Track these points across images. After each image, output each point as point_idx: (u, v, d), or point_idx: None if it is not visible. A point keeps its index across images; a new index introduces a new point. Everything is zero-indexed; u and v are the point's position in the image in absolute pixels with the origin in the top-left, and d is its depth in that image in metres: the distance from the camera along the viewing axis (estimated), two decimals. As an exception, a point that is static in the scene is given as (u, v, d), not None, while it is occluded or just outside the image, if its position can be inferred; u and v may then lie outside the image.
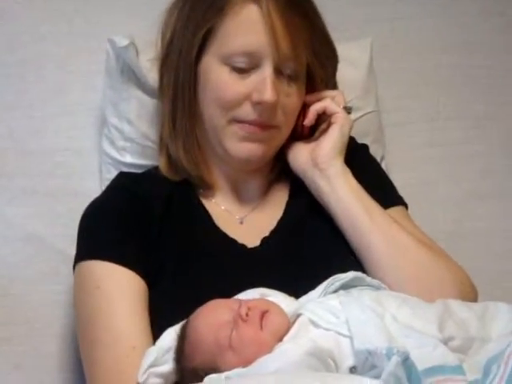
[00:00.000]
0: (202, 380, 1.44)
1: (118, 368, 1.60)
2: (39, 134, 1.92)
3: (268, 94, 1.67)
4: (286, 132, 1.76)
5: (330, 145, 1.76)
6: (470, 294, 1.68)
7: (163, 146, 1.80)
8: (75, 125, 1.94)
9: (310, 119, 1.77)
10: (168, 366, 1.54)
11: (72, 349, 1.79)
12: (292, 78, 1.73)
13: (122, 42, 1.85)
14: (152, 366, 1.54)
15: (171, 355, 1.55)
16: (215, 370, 1.47)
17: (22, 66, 1.95)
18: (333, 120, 1.78)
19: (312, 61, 1.76)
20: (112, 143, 1.89)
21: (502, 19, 2.24)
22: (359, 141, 1.92)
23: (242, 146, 1.72)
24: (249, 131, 1.71)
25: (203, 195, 1.80)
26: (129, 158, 1.89)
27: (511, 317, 1.47)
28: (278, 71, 1.70)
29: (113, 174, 1.85)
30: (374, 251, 1.70)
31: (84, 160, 1.93)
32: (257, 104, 1.68)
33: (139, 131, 1.88)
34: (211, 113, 1.72)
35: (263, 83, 1.68)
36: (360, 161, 1.85)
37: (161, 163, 1.80)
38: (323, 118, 1.79)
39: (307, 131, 1.81)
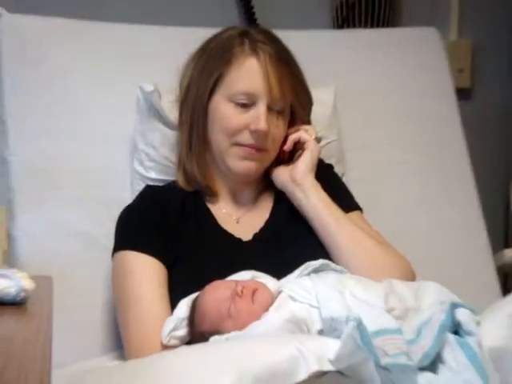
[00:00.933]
0: (207, 340, 1.50)
1: (145, 331, 1.63)
2: (87, 157, 1.91)
3: (262, 125, 1.72)
4: (272, 155, 1.80)
5: (303, 165, 1.79)
6: (410, 277, 1.71)
7: (181, 164, 1.82)
8: (114, 150, 1.93)
9: (288, 145, 1.80)
10: (183, 331, 1.57)
11: (111, 319, 1.79)
12: (280, 114, 1.78)
13: (149, 88, 1.87)
14: (172, 331, 1.57)
15: (185, 322, 1.57)
16: (218, 333, 1.51)
17: (75, 105, 1.94)
18: (305, 147, 1.80)
19: (294, 102, 1.81)
20: (141, 163, 1.90)
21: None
22: (326, 161, 1.93)
23: (241, 164, 1.76)
24: (247, 153, 1.74)
25: (209, 201, 1.82)
26: (153, 175, 1.89)
27: (437, 292, 1.48)
28: (270, 108, 1.74)
29: (141, 186, 1.86)
30: (339, 246, 1.72)
31: (120, 176, 1.92)
32: (253, 132, 1.73)
33: (161, 154, 1.88)
34: (218, 138, 1.76)
35: (259, 117, 1.73)
36: (327, 176, 1.87)
37: (179, 177, 1.82)
38: (298, 146, 1.81)
39: (287, 156, 1.82)
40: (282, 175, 1.82)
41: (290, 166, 1.82)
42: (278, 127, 1.78)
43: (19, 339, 1.04)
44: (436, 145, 2.20)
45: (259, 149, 1.75)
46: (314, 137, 1.82)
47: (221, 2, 2.42)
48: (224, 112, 1.76)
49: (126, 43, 2.04)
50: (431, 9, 2.62)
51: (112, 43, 2.03)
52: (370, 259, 1.72)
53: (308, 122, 1.86)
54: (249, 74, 1.76)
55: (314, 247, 1.74)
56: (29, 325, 1.12)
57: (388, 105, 2.19)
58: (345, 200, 1.85)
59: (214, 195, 1.83)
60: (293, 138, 1.81)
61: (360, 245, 1.73)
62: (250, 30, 1.82)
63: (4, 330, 1.08)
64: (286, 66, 1.79)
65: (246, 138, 1.75)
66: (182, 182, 1.82)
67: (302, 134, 1.82)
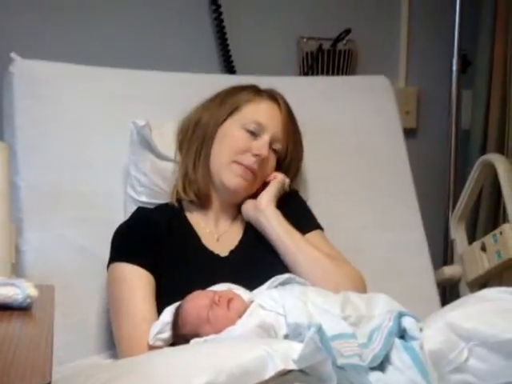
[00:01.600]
0: (189, 342, 1.49)
1: (134, 333, 1.62)
2: (87, 182, 1.90)
3: (264, 150, 1.77)
4: (258, 183, 1.81)
5: (267, 195, 1.80)
6: (361, 288, 1.71)
7: (184, 175, 1.82)
8: (110, 176, 1.93)
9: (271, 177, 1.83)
10: (167, 334, 1.57)
11: (105, 322, 1.78)
12: (275, 152, 1.82)
13: (141, 122, 1.86)
14: (158, 333, 1.57)
15: (169, 326, 1.57)
16: (198, 336, 1.51)
17: (77, 138, 1.94)
18: (272, 179, 1.82)
19: (289, 155, 1.86)
20: (133, 188, 1.89)
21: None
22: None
23: (235, 180, 1.77)
24: (243, 171, 1.76)
25: (193, 221, 1.81)
26: (144, 198, 1.88)
27: (386, 303, 1.49)
28: (272, 141, 1.79)
29: (133, 208, 1.85)
30: (298, 264, 1.72)
31: (115, 199, 1.91)
32: (255, 155, 1.76)
33: (151, 181, 1.87)
34: (221, 155, 1.79)
35: (263, 144, 1.77)
36: (292, 200, 1.88)
37: (178, 186, 1.82)
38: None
39: (259, 192, 1.83)
40: (248, 207, 1.82)
41: (255, 200, 1.82)
42: (270, 163, 1.82)
43: (25, 339, 1.04)
44: (386, 176, 2.21)
45: (253, 171, 1.77)
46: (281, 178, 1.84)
47: (203, 50, 2.42)
48: (235, 134, 1.79)
49: (122, 85, 2.03)
50: (383, 60, 2.63)
51: (110, 85, 2.03)
52: (324, 274, 1.71)
53: (294, 175, 1.91)
54: (264, 110, 1.82)
55: (280, 263, 1.74)
56: (33, 327, 1.12)
57: (345, 142, 2.19)
58: (307, 221, 1.86)
59: (202, 208, 1.82)
60: (273, 175, 1.83)
61: (316, 262, 1.73)
62: (263, 89, 1.88)
63: (12, 331, 1.08)
64: (294, 122, 1.87)
65: (246, 158, 1.77)
66: (181, 190, 1.81)
67: (279, 174, 1.84)
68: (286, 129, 1.84)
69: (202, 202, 1.82)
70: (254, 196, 1.83)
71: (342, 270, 1.74)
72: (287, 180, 1.86)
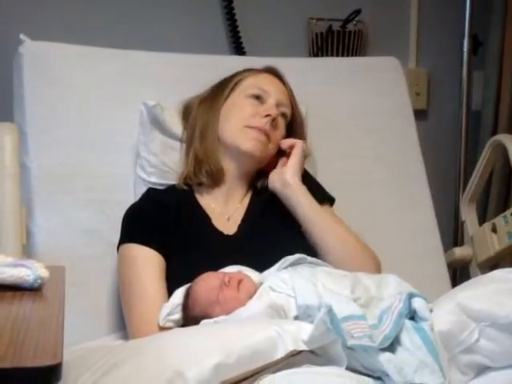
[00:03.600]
0: (199, 323, 1.50)
1: (145, 314, 1.63)
2: (97, 163, 1.90)
3: (272, 111, 1.78)
4: (271, 149, 1.81)
5: (291, 170, 1.79)
6: (379, 270, 1.74)
7: (192, 156, 1.81)
8: (120, 157, 1.92)
9: (284, 146, 1.82)
10: (178, 315, 1.58)
11: (115, 303, 1.79)
12: (283, 116, 1.82)
13: (151, 102, 1.87)
14: (168, 315, 1.57)
15: (180, 308, 1.57)
16: (208, 317, 1.51)
17: (86, 119, 1.93)
18: (292, 151, 1.81)
19: (294, 117, 1.86)
20: (143, 169, 1.88)
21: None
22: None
23: (250, 143, 1.76)
24: (256, 134, 1.76)
25: (204, 202, 1.80)
26: (154, 179, 1.87)
27: (396, 284, 1.48)
28: (278, 105, 1.81)
29: (143, 189, 1.85)
30: (325, 242, 1.74)
31: (125, 180, 1.91)
32: (264, 117, 1.76)
33: (161, 161, 1.87)
34: (232, 123, 1.79)
35: (270, 105, 1.78)
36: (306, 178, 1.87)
37: (188, 169, 1.81)
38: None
39: (275, 162, 1.84)
40: (274, 178, 1.81)
41: (280, 171, 1.81)
42: (280, 128, 1.82)
43: (36, 319, 1.05)
44: (396, 158, 2.20)
45: (266, 133, 1.77)
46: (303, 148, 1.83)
47: (213, 32, 2.42)
48: (241, 104, 1.81)
49: (131, 66, 2.03)
50: (393, 41, 2.62)
51: (119, 66, 2.02)
52: (353, 253, 1.75)
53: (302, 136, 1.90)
54: (265, 79, 1.84)
55: (291, 241, 1.73)
56: (44, 307, 1.13)
57: (354, 122, 2.19)
58: (318, 194, 1.85)
59: (218, 182, 1.81)
60: (288, 141, 1.83)
61: (345, 242, 1.76)
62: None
63: (23, 311, 1.09)
64: (291, 90, 1.88)
65: (257, 121, 1.77)
66: (192, 174, 1.81)
67: (296, 140, 1.83)
68: (289, 94, 1.86)
69: (215, 180, 1.80)
70: (269, 165, 1.83)
71: (368, 251, 1.77)
72: (305, 145, 1.85)
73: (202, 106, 1.86)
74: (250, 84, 1.83)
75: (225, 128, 1.80)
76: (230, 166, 1.81)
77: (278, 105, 1.81)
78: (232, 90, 1.84)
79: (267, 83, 1.84)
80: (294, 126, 1.88)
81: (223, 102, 1.83)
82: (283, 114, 1.83)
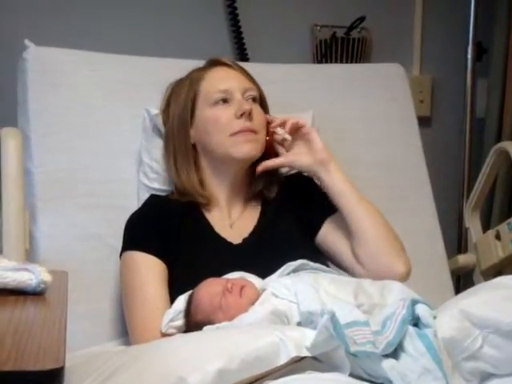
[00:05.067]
0: (201, 329, 1.50)
1: (147, 321, 1.62)
2: (100, 169, 1.90)
3: (244, 106, 1.72)
4: (262, 138, 1.76)
5: (319, 144, 1.74)
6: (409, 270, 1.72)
7: (172, 181, 1.81)
8: (123, 163, 1.93)
9: (288, 128, 1.75)
10: (180, 322, 1.58)
11: (117, 309, 1.79)
12: (254, 100, 1.77)
13: (154, 111, 1.87)
14: (170, 321, 1.57)
15: (182, 314, 1.57)
16: (210, 323, 1.51)
17: (90, 125, 1.93)
18: (305, 131, 1.76)
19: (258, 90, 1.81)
20: (145, 175, 1.88)
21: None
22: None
23: (243, 149, 1.72)
24: (243, 137, 1.72)
25: (205, 209, 1.79)
26: (156, 185, 1.87)
27: (400, 291, 1.47)
28: (245, 95, 1.75)
29: (146, 195, 1.84)
30: (360, 223, 1.71)
31: (128, 186, 1.90)
32: (240, 116, 1.71)
33: (163, 168, 1.86)
34: (214, 139, 1.73)
35: (239, 102, 1.73)
36: (309, 186, 1.83)
37: (175, 193, 1.80)
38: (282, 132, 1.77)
39: (270, 147, 1.78)
40: (303, 160, 1.76)
41: (303, 151, 1.76)
42: (258, 110, 1.77)
43: (39, 323, 1.05)
44: (399, 164, 2.20)
45: (251, 130, 1.72)
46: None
47: (216, 37, 2.43)
48: (211, 115, 1.74)
49: (135, 72, 2.04)
50: (397, 48, 2.63)
51: (123, 72, 2.02)
52: (387, 238, 1.72)
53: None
54: (218, 78, 1.78)
55: (295, 249, 1.72)
56: (47, 311, 1.13)
57: (358, 129, 2.19)
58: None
59: (208, 203, 1.78)
60: (292, 121, 1.76)
61: (377, 219, 1.73)
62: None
63: (26, 315, 1.09)
64: (243, 68, 1.82)
65: (236, 124, 1.72)
66: (177, 196, 1.79)
67: (299, 119, 1.78)
68: (244, 75, 1.80)
69: (203, 201, 1.78)
70: (267, 149, 1.78)
71: (404, 254, 1.73)
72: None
73: (168, 133, 1.81)
74: (207, 91, 1.76)
75: (209, 146, 1.75)
76: (221, 187, 1.79)
77: (244, 94, 1.75)
78: (193, 107, 1.77)
79: (221, 80, 1.77)
80: (262, 101, 1.82)
81: (190, 123, 1.77)
82: (253, 99, 1.77)
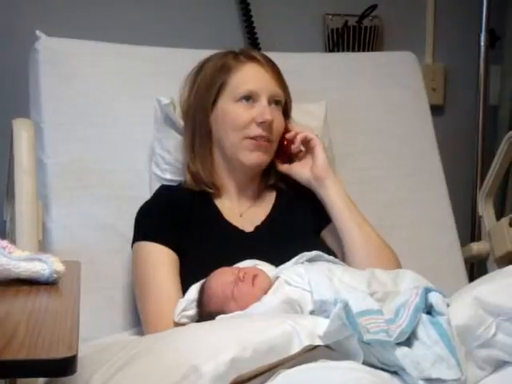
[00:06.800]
0: (214, 319, 1.49)
1: (160, 311, 1.63)
2: (113, 160, 1.90)
3: (267, 116, 1.72)
4: (274, 146, 1.78)
5: (321, 161, 1.78)
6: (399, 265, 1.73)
7: (187, 167, 1.81)
8: (136, 154, 1.93)
9: (297, 145, 1.79)
10: (193, 311, 1.58)
11: (130, 299, 1.79)
12: (278, 105, 1.77)
13: (165, 100, 1.86)
14: (183, 310, 1.58)
15: (195, 304, 1.58)
16: (223, 312, 1.51)
17: (102, 115, 1.94)
18: (313, 144, 1.79)
19: (286, 97, 1.81)
20: (158, 166, 1.88)
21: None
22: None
23: (252, 156, 1.74)
24: (256, 145, 1.73)
25: (215, 198, 1.80)
26: (168, 176, 1.87)
27: (413, 279, 1.49)
28: (270, 101, 1.75)
29: (157, 185, 1.85)
30: (351, 235, 1.73)
31: (140, 176, 1.91)
32: (260, 124, 1.72)
33: (175, 158, 1.87)
34: (230, 136, 1.74)
35: (263, 109, 1.73)
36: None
37: (187, 179, 1.81)
38: (293, 148, 1.80)
39: (288, 154, 1.82)
40: (304, 173, 1.80)
41: (309, 163, 1.80)
42: (279, 119, 1.77)
43: (52, 312, 1.05)
44: (412, 153, 2.20)
45: (267, 139, 1.73)
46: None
47: (228, 28, 2.42)
48: (232, 111, 1.74)
49: (147, 62, 2.03)
50: (409, 36, 2.61)
51: (134, 62, 2.03)
52: (376, 252, 1.73)
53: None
54: (249, 75, 1.77)
55: (308, 239, 1.74)
56: (60, 301, 1.13)
57: (371, 118, 2.18)
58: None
59: (219, 192, 1.80)
60: (300, 137, 1.79)
61: (368, 236, 1.74)
62: (238, 50, 1.84)
63: (39, 305, 1.09)
64: (276, 67, 1.80)
65: (254, 130, 1.73)
66: (190, 183, 1.80)
67: (308, 132, 1.80)
68: (277, 78, 1.79)
69: (215, 190, 1.79)
70: (278, 154, 1.81)
71: (390, 252, 1.76)
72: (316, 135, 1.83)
73: (189, 113, 1.82)
74: (235, 85, 1.75)
75: (225, 141, 1.76)
76: (231, 178, 1.80)
77: (270, 99, 1.75)
78: (218, 94, 1.77)
79: (251, 78, 1.76)
80: (287, 107, 1.83)
81: (211, 109, 1.78)
82: (277, 102, 1.78)
